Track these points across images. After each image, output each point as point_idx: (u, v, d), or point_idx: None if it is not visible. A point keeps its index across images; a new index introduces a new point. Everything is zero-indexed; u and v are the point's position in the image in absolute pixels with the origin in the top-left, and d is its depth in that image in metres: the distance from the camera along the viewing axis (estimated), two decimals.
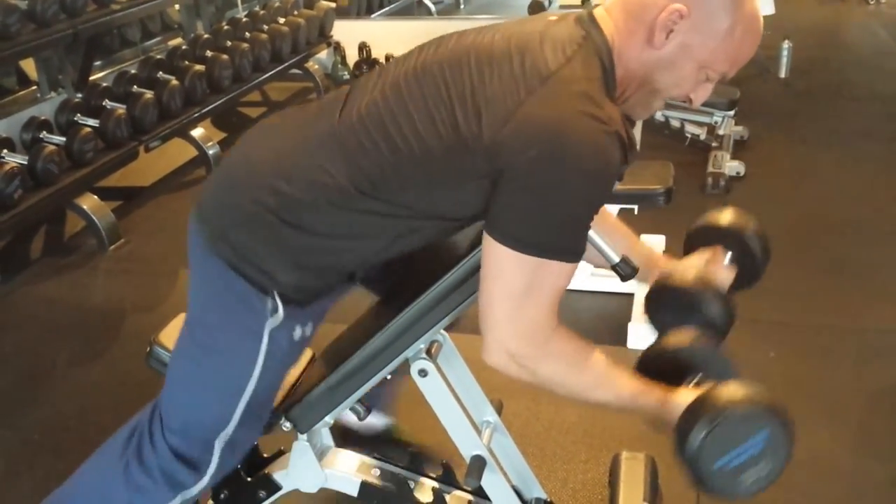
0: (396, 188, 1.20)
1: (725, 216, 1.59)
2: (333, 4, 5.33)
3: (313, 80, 5.08)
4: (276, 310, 1.29)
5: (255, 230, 1.26)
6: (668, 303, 1.47)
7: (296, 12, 4.96)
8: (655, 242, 2.92)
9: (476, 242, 1.39)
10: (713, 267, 1.50)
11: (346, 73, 5.32)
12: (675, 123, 3.67)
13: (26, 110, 3.44)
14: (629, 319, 2.50)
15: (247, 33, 4.48)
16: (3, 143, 3.09)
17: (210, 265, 1.31)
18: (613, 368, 1.28)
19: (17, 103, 3.75)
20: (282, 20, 4.78)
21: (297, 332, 1.36)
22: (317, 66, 5.18)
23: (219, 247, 1.29)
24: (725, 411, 1.13)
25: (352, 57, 5.35)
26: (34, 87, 3.87)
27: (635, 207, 2.57)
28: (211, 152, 3.88)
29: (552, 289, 1.18)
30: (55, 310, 2.79)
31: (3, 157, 2.99)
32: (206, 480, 1.41)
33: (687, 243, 1.58)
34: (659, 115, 3.66)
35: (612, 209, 2.57)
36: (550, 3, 6.34)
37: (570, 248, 1.16)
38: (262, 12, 4.88)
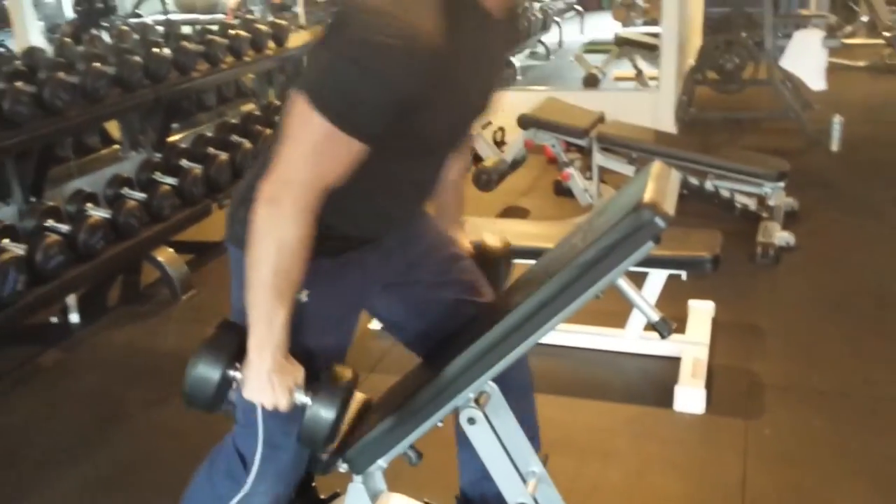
0: None
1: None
2: None
3: None
4: None
5: (249, 202, 1.33)
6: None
7: None
8: (704, 308, 2.99)
9: (519, 299, 1.50)
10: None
11: None
12: (725, 193, 3.75)
13: (109, 168, 3.70)
14: (676, 382, 2.55)
15: None
16: (88, 198, 3.32)
17: (232, 255, 1.47)
18: (297, 278, 1.32)
19: (101, 161, 4.02)
20: None
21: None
22: None
23: (231, 232, 1.44)
24: None
25: None
26: (117, 147, 4.14)
27: (683, 273, 2.65)
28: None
29: (331, 154, 1.25)
30: (130, 354, 2.97)
31: (88, 211, 3.21)
32: (252, 475, 1.53)
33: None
34: (709, 185, 3.74)
35: (661, 275, 2.67)
36: (605, 75, 6.51)
37: (357, 118, 1.22)
38: None
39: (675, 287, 2.70)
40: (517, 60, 7.84)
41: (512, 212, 4.29)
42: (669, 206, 1.36)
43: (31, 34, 6.11)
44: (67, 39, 4.27)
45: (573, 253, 1.45)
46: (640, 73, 6.39)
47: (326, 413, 1.36)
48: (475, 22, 1.31)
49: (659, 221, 1.33)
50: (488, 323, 1.56)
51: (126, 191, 3.48)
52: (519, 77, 7.63)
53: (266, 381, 1.34)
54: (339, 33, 1.24)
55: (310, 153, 1.25)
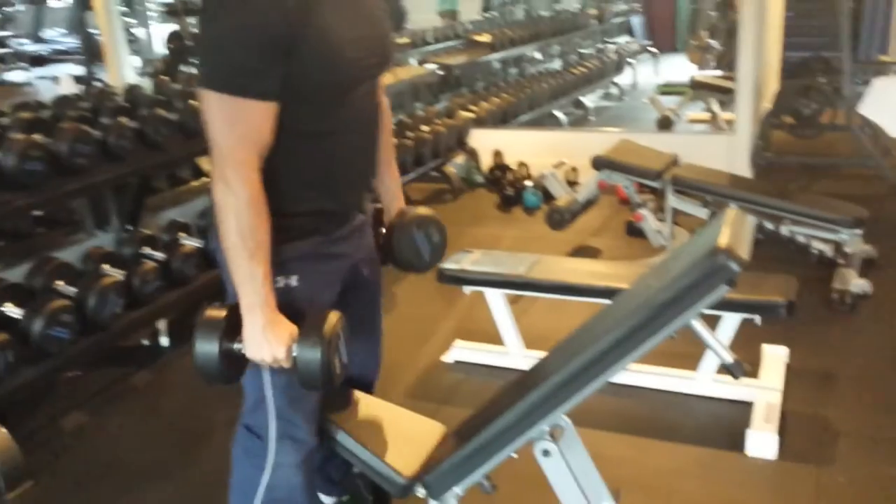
0: None
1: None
2: (472, 115, 5.71)
3: (449, 183, 5.43)
4: None
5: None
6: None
7: (438, 122, 5.35)
8: (778, 353, 2.98)
9: (594, 339, 1.57)
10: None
11: (479, 177, 5.64)
12: (801, 239, 3.73)
13: (200, 199, 3.89)
14: (747, 426, 2.56)
15: (393, 140, 4.87)
16: (181, 228, 3.51)
17: (218, 255, 1.60)
18: (264, 238, 1.48)
19: (192, 192, 4.23)
20: (425, 128, 5.17)
21: (280, 282, 1.58)
22: (454, 170, 5.52)
23: (212, 226, 1.57)
24: None
25: (486, 162, 5.69)
26: (207, 179, 4.34)
27: (757, 317, 2.66)
28: None
29: (241, 121, 1.43)
30: None
31: (182, 240, 3.40)
32: (272, 451, 1.72)
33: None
34: (785, 231, 3.73)
35: (734, 318, 2.68)
36: (679, 117, 6.53)
37: (242, 81, 1.41)
38: (408, 121, 5.30)
39: (749, 331, 2.72)
40: (590, 101, 7.92)
41: (584, 251, 4.33)
42: (744, 251, 1.42)
43: (124, 69, 6.47)
44: (165, 77, 4.51)
45: (649, 293, 1.51)
46: (714, 115, 6.39)
47: (312, 352, 1.49)
48: None
49: (733, 266, 1.39)
50: (568, 357, 1.63)
51: None
52: (592, 118, 7.71)
53: (262, 336, 1.50)
54: (202, 13, 1.46)
55: (226, 126, 1.44)
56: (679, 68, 9.09)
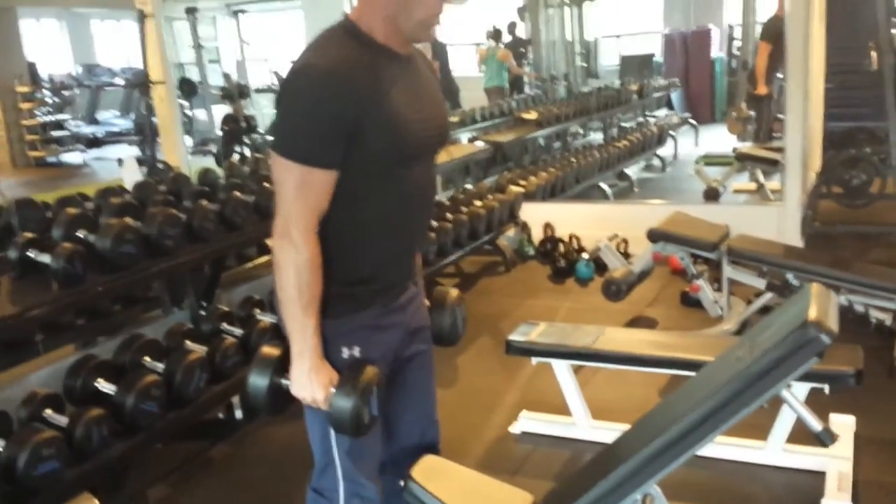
0: None
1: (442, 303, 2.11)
2: (522, 190, 5.87)
3: (502, 256, 5.55)
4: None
5: None
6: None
7: (490, 196, 5.51)
8: (846, 422, 3.01)
9: (687, 410, 1.65)
10: None
11: (531, 249, 5.76)
12: (860, 308, 3.77)
13: (269, 276, 4.04)
14: (821, 496, 2.58)
15: (448, 214, 5.03)
16: (255, 304, 3.65)
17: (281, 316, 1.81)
18: (317, 292, 1.67)
19: (259, 269, 4.39)
20: (478, 203, 5.33)
21: (345, 352, 1.76)
22: (506, 243, 5.65)
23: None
24: None
25: (537, 235, 5.81)
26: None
27: (826, 387, 2.71)
28: None
29: (307, 188, 1.62)
30: (291, 450, 3.19)
31: (258, 316, 3.54)
32: None
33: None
34: (843, 300, 3.78)
35: (803, 388, 2.73)
36: (725, 188, 6.63)
37: (313, 151, 1.61)
38: (461, 196, 5.47)
39: (814, 401, 2.75)
40: (633, 173, 8.06)
41: (640, 321, 4.40)
42: (833, 324, 1.51)
43: (180, 149, 6.74)
44: (235, 161, 4.74)
45: (740, 366, 1.60)
46: (761, 186, 6.48)
47: (345, 401, 1.67)
48: (387, 58, 1.69)
49: (824, 338, 1.48)
50: (654, 430, 1.71)
51: None
52: (636, 189, 7.83)
53: (307, 379, 1.69)
54: (281, 92, 1.67)
55: (293, 190, 1.63)
56: (718, 139, 9.23)
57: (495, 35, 9.66)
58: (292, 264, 1.64)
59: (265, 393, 1.75)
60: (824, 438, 1.58)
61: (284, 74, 1.67)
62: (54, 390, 2.87)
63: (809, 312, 1.51)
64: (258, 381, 1.76)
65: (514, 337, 3.17)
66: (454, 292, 2.15)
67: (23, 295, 2.75)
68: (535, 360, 3.17)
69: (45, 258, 2.79)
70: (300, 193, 1.63)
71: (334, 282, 1.71)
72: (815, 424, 1.58)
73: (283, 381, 1.75)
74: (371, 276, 1.77)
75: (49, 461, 2.44)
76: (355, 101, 1.60)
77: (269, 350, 1.80)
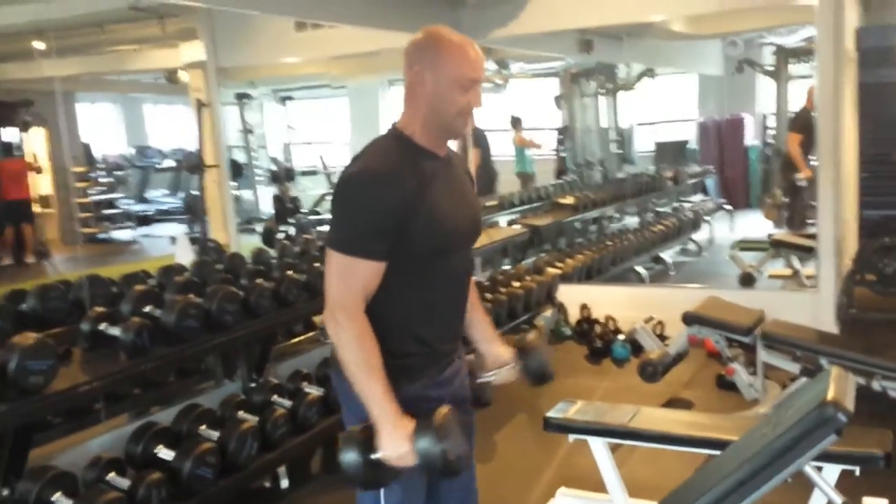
0: None
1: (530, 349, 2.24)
2: (559, 271, 6.04)
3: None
4: None
5: None
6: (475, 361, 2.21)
7: (528, 277, 5.68)
8: None
9: (714, 483, 1.76)
10: (506, 372, 2.21)
11: (568, 329, 5.88)
12: (893, 395, 3.84)
13: (316, 350, 4.24)
14: None
15: (488, 294, 5.20)
16: (304, 377, 3.83)
17: (333, 378, 2.05)
18: (377, 362, 1.83)
19: (306, 343, 4.58)
20: (517, 284, 5.50)
21: None
22: (542, 323, 5.78)
23: (334, 365, 1.97)
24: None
25: (574, 316, 5.94)
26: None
27: (857, 469, 2.77)
28: None
29: (352, 274, 1.83)
30: None
31: (305, 389, 3.70)
32: None
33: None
34: (876, 386, 3.84)
35: (834, 469, 2.80)
36: (760, 274, 6.73)
37: (358, 244, 1.82)
38: (500, 277, 5.65)
39: (849, 484, 2.82)
40: (668, 257, 8.19)
41: (676, 403, 4.48)
42: (849, 404, 1.64)
43: (229, 226, 7.05)
44: (286, 242, 4.99)
45: (764, 441, 1.72)
46: (796, 272, 6.57)
47: (424, 441, 1.79)
48: (428, 160, 1.93)
49: (841, 417, 1.61)
50: (680, 501, 1.83)
51: None
52: (672, 273, 7.95)
53: (389, 438, 1.81)
54: (336, 193, 1.90)
55: (341, 279, 1.84)
56: (753, 225, 9.35)
57: (513, 123, 10.01)
58: (345, 345, 1.84)
59: (360, 467, 1.81)
60: None
61: (337, 176, 1.96)
62: (116, 455, 3.04)
63: (828, 393, 1.64)
64: (349, 457, 1.82)
65: (552, 414, 3.27)
66: (533, 335, 2.27)
67: (94, 365, 2.96)
68: (572, 438, 3.27)
69: (115, 331, 3.01)
70: (344, 281, 1.85)
71: (385, 352, 1.89)
72: (836, 498, 1.69)
73: (373, 455, 1.82)
74: (418, 351, 1.96)
75: None
76: (401, 199, 1.84)
77: (352, 429, 1.88)
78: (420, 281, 1.91)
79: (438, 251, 1.92)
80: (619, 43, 9.28)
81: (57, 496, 2.65)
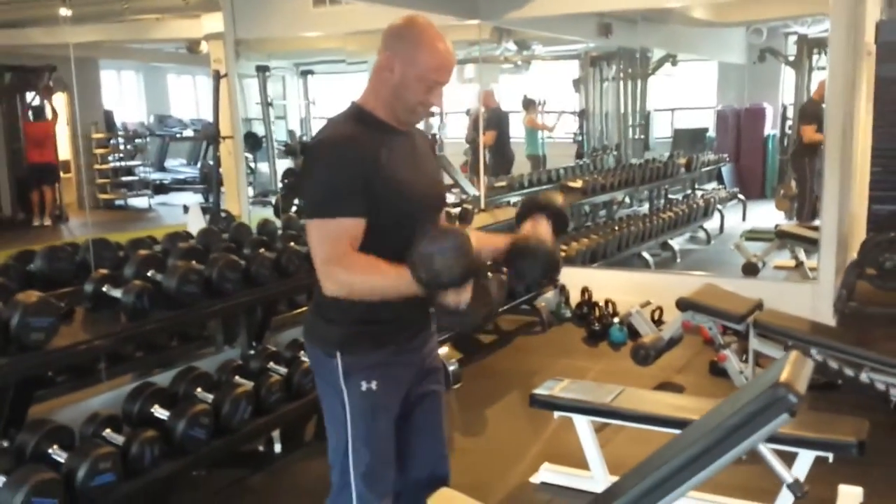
0: None
1: (541, 197, 2.32)
2: (563, 254, 6.09)
3: (539, 316, 5.75)
4: (338, 365, 2.00)
5: (315, 313, 2.12)
6: (518, 254, 2.16)
7: None
8: (853, 493, 3.12)
9: (669, 458, 1.83)
10: (540, 226, 2.21)
11: (568, 312, 5.95)
12: (881, 387, 3.88)
13: None
14: None
15: (490, 273, 5.26)
16: (301, 346, 3.92)
17: (309, 351, 2.15)
18: (380, 263, 1.92)
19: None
20: None
21: (364, 385, 2.02)
22: (543, 304, 5.85)
23: (307, 334, 2.13)
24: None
25: (575, 298, 6.00)
26: None
27: (830, 455, 2.84)
28: (451, 368, 4.53)
29: (331, 234, 1.92)
30: (325, 483, 3.39)
31: (301, 358, 3.80)
32: None
33: (518, 217, 2.30)
34: (864, 377, 3.88)
35: (808, 455, 2.86)
36: (764, 264, 6.75)
37: (333, 206, 1.91)
38: None
39: (826, 472, 2.88)
40: (677, 244, 8.21)
41: (667, 387, 4.54)
42: (801, 387, 1.70)
43: (242, 198, 7.16)
44: (293, 214, 5.07)
45: (719, 419, 1.79)
46: (800, 264, 6.59)
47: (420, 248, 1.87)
48: (387, 132, 2.05)
49: (792, 398, 1.67)
50: (637, 475, 1.90)
51: None
52: (678, 260, 7.97)
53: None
54: (303, 166, 2.06)
55: (325, 241, 1.93)
56: (767, 215, 9.33)
57: (526, 105, 10.01)
58: (354, 283, 1.92)
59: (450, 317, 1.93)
60: (794, 490, 1.75)
61: None
62: (114, 412, 3.15)
63: (782, 375, 1.70)
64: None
65: (539, 391, 3.36)
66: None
67: (95, 325, 3.06)
68: (557, 415, 3.36)
69: (117, 293, 3.10)
70: (331, 241, 1.93)
71: (353, 321, 2.00)
72: (786, 476, 1.75)
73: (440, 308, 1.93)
74: (385, 318, 2.04)
75: (105, 474, 2.71)
76: (360, 161, 1.95)
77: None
78: (386, 248, 1.97)
79: (401, 216, 2.01)
80: (638, 27, 9.26)
81: (53, 448, 2.76)
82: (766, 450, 1.77)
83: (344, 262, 1.92)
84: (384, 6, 5.82)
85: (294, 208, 8.08)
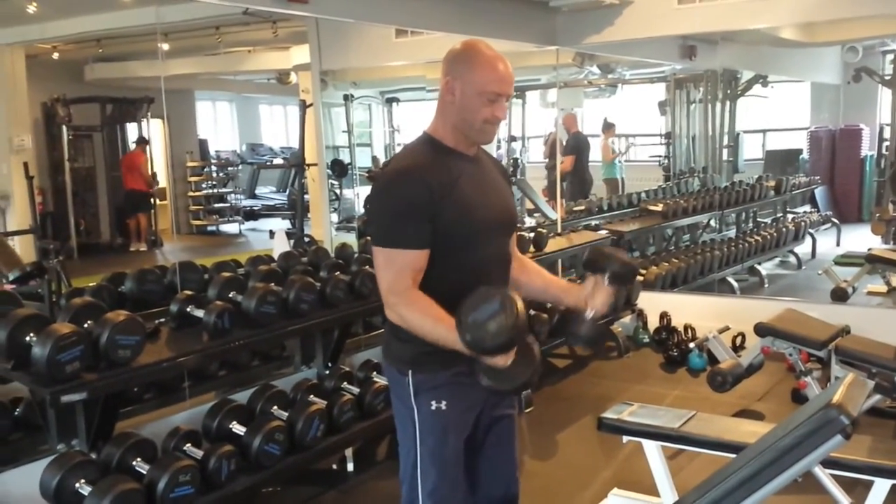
0: None
1: (602, 253, 2.30)
2: (641, 278, 6.03)
3: (616, 342, 5.70)
4: (410, 382, 2.06)
5: (388, 328, 2.14)
6: (571, 318, 2.24)
7: None
8: None
9: (725, 478, 1.81)
10: (597, 289, 2.19)
11: (646, 337, 5.88)
12: None
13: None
14: None
15: None
16: (373, 367, 4.02)
17: (386, 370, 2.22)
18: (437, 311, 1.97)
19: (381, 336, 4.75)
20: None
21: (433, 405, 2.07)
22: (620, 329, 5.80)
23: (383, 354, 2.21)
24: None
25: (653, 323, 5.93)
26: None
27: None
28: (524, 392, 4.55)
29: (396, 264, 1.99)
30: (392, 502, 3.46)
31: (374, 378, 3.89)
32: None
33: (584, 265, 2.32)
34: None
35: (885, 484, 2.76)
36: (855, 289, 6.50)
37: (397, 237, 1.99)
38: (580, 282, 5.68)
39: None
40: (765, 269, 8.00)
41: (746, 414, 4.43)
42: (854, 409, 1.67)
43: (326, 224, 7.36)
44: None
45: (774, 440, 1.77)
46: (893, 289, 6.33)
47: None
48: (456, 159, 2.11)
49: (843, 419, 1.64)
50: (692, 496, 1.89)
51: None
52: (766, 285, 7.76)
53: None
54: (372, 195, 2.13)
55: (389, 271, 2.01)
56: (863, 240, 8.98)
57: (604, 128, 9.94)
58: (411, 320, 2.00)
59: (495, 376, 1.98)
60: None
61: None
62: (195, 428, 3.30)
63: (835, 396, 1.68)
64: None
65: (607, 415, 3.34)
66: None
67: (178, 343, 3.22)
68: (625, 439, 3.33)
69: (200, 313, 3.27)
70: (395, 270, 2.01)
71: (422, 341, 2.02)
72: (842, 499, 1.72)
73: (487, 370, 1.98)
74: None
75: (184, 486, 2.85)
76: (428, 191, 2.01)
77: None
78: (455, 270, 2.05)
79: (469, 239, 2.07)
80: (725, 49, 9.11)
81: (137, 461, 2.91)
82: (822, 473, 1.74)
83: (404, 298, 2.00)
84: (461, 35, 5.94)
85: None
